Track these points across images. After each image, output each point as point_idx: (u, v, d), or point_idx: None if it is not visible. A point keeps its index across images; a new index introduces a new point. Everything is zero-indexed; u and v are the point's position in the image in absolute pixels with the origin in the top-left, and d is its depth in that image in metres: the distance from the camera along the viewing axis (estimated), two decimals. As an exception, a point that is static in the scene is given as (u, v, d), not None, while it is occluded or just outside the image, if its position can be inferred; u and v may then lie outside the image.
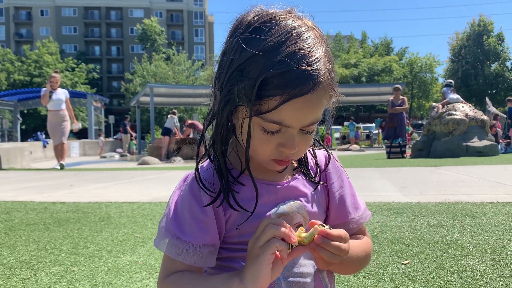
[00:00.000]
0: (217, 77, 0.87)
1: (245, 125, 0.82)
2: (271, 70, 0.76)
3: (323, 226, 0.81)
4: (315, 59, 0.78)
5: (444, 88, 12.84)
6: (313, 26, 0.85)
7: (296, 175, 0.96)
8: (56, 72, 10.36)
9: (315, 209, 0.95)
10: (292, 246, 0.78)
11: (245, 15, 0.86)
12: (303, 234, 0.80)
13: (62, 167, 9.63)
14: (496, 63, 46.98)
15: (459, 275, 1.91)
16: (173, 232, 0.88)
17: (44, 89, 10.05)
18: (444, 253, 2.26)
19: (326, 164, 1.00)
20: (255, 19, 0.82)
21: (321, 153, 1.01)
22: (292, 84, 0.75)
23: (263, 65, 0.77)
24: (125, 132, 22.98)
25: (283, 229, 0.78)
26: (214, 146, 0.89)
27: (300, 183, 0.95)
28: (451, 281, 1.84)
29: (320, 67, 0.78)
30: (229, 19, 0.88)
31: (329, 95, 0.81)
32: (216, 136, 0.88)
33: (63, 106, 9.91)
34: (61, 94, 10.01)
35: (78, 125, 10.44)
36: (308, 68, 0.76)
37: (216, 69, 0.89)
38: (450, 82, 13.13)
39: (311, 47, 0.78)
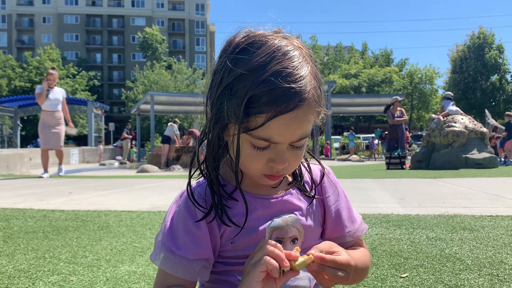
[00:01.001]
0: (208, 96, 0.90)
1: (236, 141, 0.85)
2: (257, 88, 0.79)
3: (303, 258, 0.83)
4: (300, 77, 0.80)
5: (444, 101, 12.83)
6: (300, 45, 0.87)
7: (291, 189, 0.97)
8: (53, 68, 9.42)
9: (310, 222, 0.96)
10: (283, 270, 0.80)
11: (233, 36, 0.89)
12: (297, 262, 0.81)
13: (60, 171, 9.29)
14: (496, 75, 47.19)
15: (457, 289, 1.91)
16: (168, 246, 0.89)
17: (40, 86, 9.09)
18: (442, 267, 2.26)
19: (321, 178, 1.01)
20: (242, 40, 0.86)
21: (316, 168, 1.03)
22: (278, 101, 0.78)
23: (250, 84, 0.80)
24: (124, 138, 22.96)
25: (276, 250, 0.79)
26: (206, 163, 0.91)
27: (295, 197, 0.97)
28: (450, 295, 1.84)
29: (305, 84, 0.81)
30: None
31: (316, 111, 0.84)
32: (208, 152, 0.91)
33: (60, 107, 9.09)
34: (59, 93, 9.12)
35: (74, 129, 9.83)
36: (293, 85, 0.79)
37: (207, 88, 0.92)
38: (450, 95, 13.13)
39: (296, 65, 0.81)
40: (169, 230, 0.91)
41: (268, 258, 0.78)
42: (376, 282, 2.03)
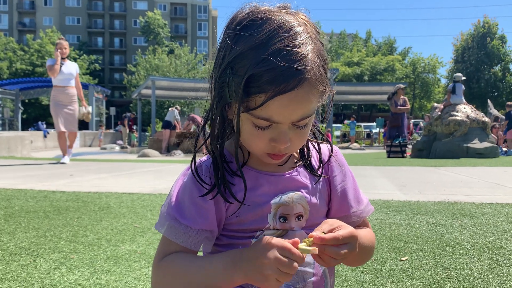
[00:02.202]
0: (212, 73, 0.89)
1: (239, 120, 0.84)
2: (257, 67, 0.78)
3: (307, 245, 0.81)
4: (301, 56, 0.78)
5: (457, 84, 11.58)
6: (305, 21, 0.85)
7: (298, 167, 0.97)
8: (61, 38, 8.30)
9: (316, 200, 0.95)
10: None
11: (238, 12, 0.87)
12: (300, 249, 0.79)
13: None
14: (499, 65, 46.93)
15: (456, 272, 1.92)
16: (173, 215, 0.89)
17: (51, 59, 8.00)
18: (442, 251, 2.27)
19: (329, 158, 1.01)
20: (245, 16, 0.84)
21: (325, 147, 1.02)
22: (277, 81, 0.77)
23: (249, 63, 0.79)
24: (124, 125, 22.97)
25: (286, 270, 0.76)
26: (211, 140, 0.91)
27: (302, 175, 0.96)
28: (449, 278, 1.85)
29: (307, 63, 0.79)
30: (232, 14, 0.90)
31: (319, 90, 0.81)
32: (212, 130, 0.90)
33: (73, 83, 8.04)
34: (71, 67, 8.07)
35: (87, 109, 8.61)
36: (294, 65, 0.77)
37: (213, 66, 0.91)
38: (460, 77, 11.93)
39: (298, 43, 0.79)
40: (175, 200, 0.91)
41: (280, 276, 0.76)
42: (376, 265, 2.04)
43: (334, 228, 0.83)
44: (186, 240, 0.88)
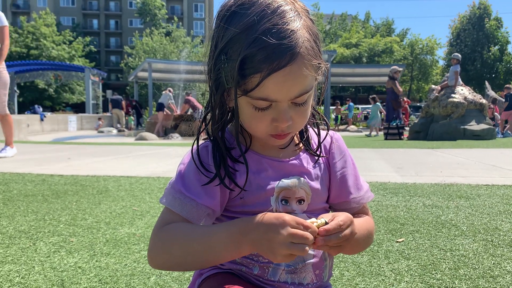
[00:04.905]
0: (207, 63, 0.90)
1: (239, 105, 0.85)
2: (249, 48, 0.79)
3: (317, 221, 0.81)
4: (290, 32, 0.79)
5: (454, 67, 11.51)
6: (293, 0, 0.86)
7: (301, 153, 0.98)
8: None
9: (318, 186, 0.97)
10: None
11: (226, 0, 0.88)
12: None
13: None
14: (496, 46, 46.69)
15: (452, 253, 1.95)
16: (178, 189, 0.90)
17: None
18: (438, 232, 2.29)
19: (330, 143, 1.02)
20: (233, 2, 0.85)
21: (325, 133, 1.03)
22: (270, 59, 0.78)
23: (241, 46, 0.80)
24: (120, 107, 22.74)
25: (301, 241, 0.76)
26: (212, 129, 0.92)
27: (304, 161, 0.98)
28: (444, 259, 1.88)
29: (297, 39, 0.80)
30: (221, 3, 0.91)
31: (312, 65, 0.82)
32: (213, 117, 0.91)
33: None
34: None
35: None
36: (284, 41, 0.78)
37: (207, 55, 0.92)
38: (459, 57, 11.77)
39: (286, 21, 0.80)
40: (181, 176, 0.92)
41: (293, 249, 0.76)
42: (372, 246, 2.06)
43: (332, 218, 0.84)
44: (189, 212, 0.88)
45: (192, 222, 0.89)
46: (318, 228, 0.80)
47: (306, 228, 0.77)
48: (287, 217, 0.78)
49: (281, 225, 0.77)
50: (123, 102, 22.96)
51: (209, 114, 0.92)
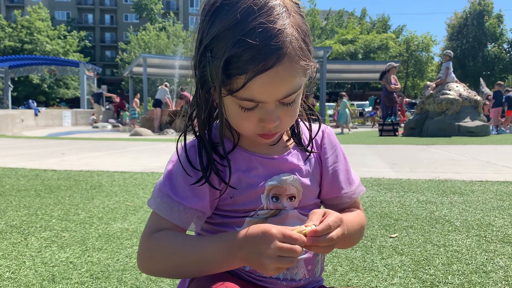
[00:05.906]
0: (193, 57, 0.87)
1: (225, 103, 0.82)
2: (233, 49, 0.75)
3: (305, 229, 0.80)
4: (277, 31, 0.75)
5: (447, 63, 11.62)
6: None
7: (291, 149, 0.97)
8: None
9: (309, 182, 0.95)
10: None
11: None
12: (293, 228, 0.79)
13: None
14: (495, 44, 46.81)
15: (445, 249, 1.95)
16: (166, 192, 0.88)
17: None
18: (431, 228, 2.30)
19: (319, 135, 1.00)
20: None
21: (316, 127, 1.01)
22: (255, 60, 0.74)
23: (226, 45, 0.76)
24: (100, 102, 22.67)
25: (289, 254, 0.75)
26: (198, 127, 0.90)
27: (295, 157, 0.96)
28: (437, 254, 1.88)
29: (284, 39, 0.76)
30: None
31: (301, 65, 0.79)
32: (198, 115, 0.88)
33: None
34: None
35: None
36: (270, 42, 0.75)
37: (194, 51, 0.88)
38: (451, 54, 11.91)
39: (273, 19, 0.76)
40: (168, 178, 0.90)
41: (281, 263, 0.75)
42: (366, 242, 2.06)
43: (322, 217, 0.83)
44: (177, 217, 0.87)
45: (181, 226, 0.88)
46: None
47: (294, 240, 0.75)
48: (274, 230, 0.76)
49: (268, 240, 0.75)
50: (118, 98, 22.88)
51: (195, 110, 0.90)
